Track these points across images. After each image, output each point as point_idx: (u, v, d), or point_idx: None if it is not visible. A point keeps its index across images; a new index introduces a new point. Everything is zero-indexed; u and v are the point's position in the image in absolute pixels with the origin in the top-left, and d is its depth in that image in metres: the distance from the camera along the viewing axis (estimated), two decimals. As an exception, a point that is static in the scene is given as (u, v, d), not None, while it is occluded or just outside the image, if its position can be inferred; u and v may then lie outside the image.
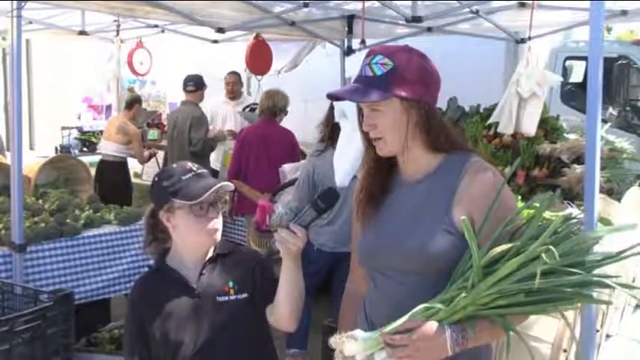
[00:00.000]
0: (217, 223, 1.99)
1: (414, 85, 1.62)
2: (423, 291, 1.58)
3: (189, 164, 2.02)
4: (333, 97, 1.73)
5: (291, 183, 4.34)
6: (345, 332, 1.54)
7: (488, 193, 1.59)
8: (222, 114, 6.75)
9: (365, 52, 1.78)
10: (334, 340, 1.52)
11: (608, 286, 1.48)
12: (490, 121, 4.31)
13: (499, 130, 4.23)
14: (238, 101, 6.84)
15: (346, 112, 3.13)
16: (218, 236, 2.01)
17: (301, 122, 7.67)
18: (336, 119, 3.46)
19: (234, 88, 6.82)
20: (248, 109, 6.68)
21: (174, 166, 2.05)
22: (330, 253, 3.84)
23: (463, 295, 1.48)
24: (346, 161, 3.24)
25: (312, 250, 3.78)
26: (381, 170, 1.77)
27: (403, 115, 1.63)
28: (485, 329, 1.52)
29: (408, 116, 1.64)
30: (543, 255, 1.41)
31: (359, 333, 1.53)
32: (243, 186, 4.94)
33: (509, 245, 1.49)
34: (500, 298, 1.47)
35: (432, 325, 1.47)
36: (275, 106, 5.10)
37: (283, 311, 1.94)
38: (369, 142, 1.73)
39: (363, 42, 3.60)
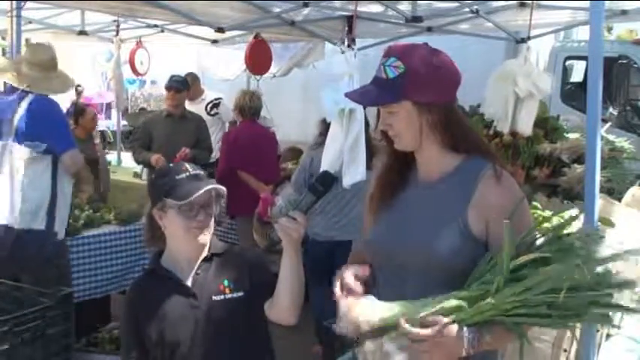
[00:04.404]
0: (205, 226, 1.97)
1: (427, 87, 1.63)
2: (428, 291, 1.58)
3: (187, 165, 2.01)
4: (350, 98, 1.77)
5: (289, 176, 4.43)
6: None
7: (506, 203, 1.62)
8: None
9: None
10: (349, 301, 1.52)
11: (625, 309, 1.51)
12: (482, 111, 4.28)
13: (497, 128, 4.21)
14: (198, 100, 6.80)
15: (342, 108, 3.15)
16: (204, 240, 1.98)
17: (300, 122, 7.69)
18: (328, 119, 3.46)
19: (196, 88, 6.75)
20: (211, 104, 6.70)
21: (171, 165, 2.06)
22: (325, 242, 3.86)
23: (489, 300, 1.49)
24: (329, 158, 3.30)
25: (307, 241, 3.80)
26: (397, 167, 1.79)
27: (417, 116, 1.65)
28: (500, 335, 1.54)
29: (422, 117, 1.65)
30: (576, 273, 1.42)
31: (375, 301, 1.52)
32: (250, 178, 4.99)
33: (535, 255, 1.50)
34: (521, 307, 1.48)
35: (454, 326, 1.49)
36: (256, 106, 5.19)
37: (283, 303, 1.93)
38: (386, 139, 1.75)
39: (353, 41, 3.64)
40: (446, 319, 1.49)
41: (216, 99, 6.78)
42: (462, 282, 1.57)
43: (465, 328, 1.49)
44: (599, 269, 1.49)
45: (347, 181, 3.21)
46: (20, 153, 3.41)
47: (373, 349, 1.51)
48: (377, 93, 1.66)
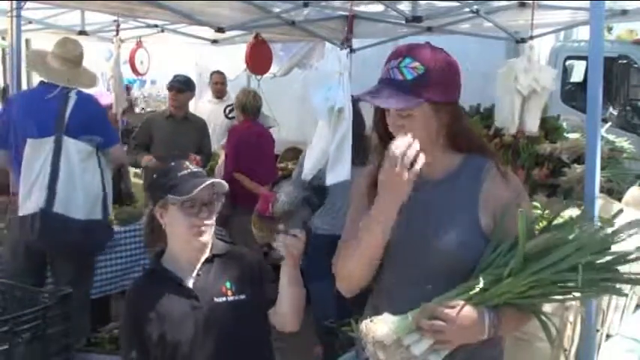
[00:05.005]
0: (207, 223, 1.98)
1: (443, 86, 1.62)
2: (438, 286, 1.59)
3: (187, 163, 2.03)
4: (360, 100, 1.70)
5: (286, 176, 4.43)
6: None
7: (513, 197, 1.66)
8: (208, 113, 6.69)
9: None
10: (365, 324, 1.54)
11: (634, 282, 1.62)
12: (496, 124, 4.25)
13: (505, 131, 4.18)
14: (223, 99, 6.87)
15: (337, 107, 3.14)
16: (205, 238, 1.99)
17: (300, 122, 7.67)
18: (316, 117, 3.45)
19: (222, 87, 6.80)
20: (230, 107, 6.70)
21: (172, 164, 2.06)
22: (325, 235, 3.87)
23: (504, 282, 1.52)
24: (314, 157, 3.28)
25: (310, 235, 3.83)
26: None
27: (433, 117, 1.63)
28: (512, 317, 1.59)
29: (437, 118, 1.64)
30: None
31: (388, 317, 1.54)
32: (245, 179, 4.99)
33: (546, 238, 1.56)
34: (534, 288, 1.53)
35: (471, 308, 1.51)
36: (259, 105, 5.19)
37: (286, 312, 1.96)
38: (382, 142, 1.72)
39: (348, 40, 3.63)
40: (461, 302, 1.51)
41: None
42: (469, 276, 1.59)
43: (484, 309, 1.52)
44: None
45: (330, 179, 3.19)
46: (77, 147, 3.48)
47: (392, 350, 1.50)
48: (396, 95, 1.59)
